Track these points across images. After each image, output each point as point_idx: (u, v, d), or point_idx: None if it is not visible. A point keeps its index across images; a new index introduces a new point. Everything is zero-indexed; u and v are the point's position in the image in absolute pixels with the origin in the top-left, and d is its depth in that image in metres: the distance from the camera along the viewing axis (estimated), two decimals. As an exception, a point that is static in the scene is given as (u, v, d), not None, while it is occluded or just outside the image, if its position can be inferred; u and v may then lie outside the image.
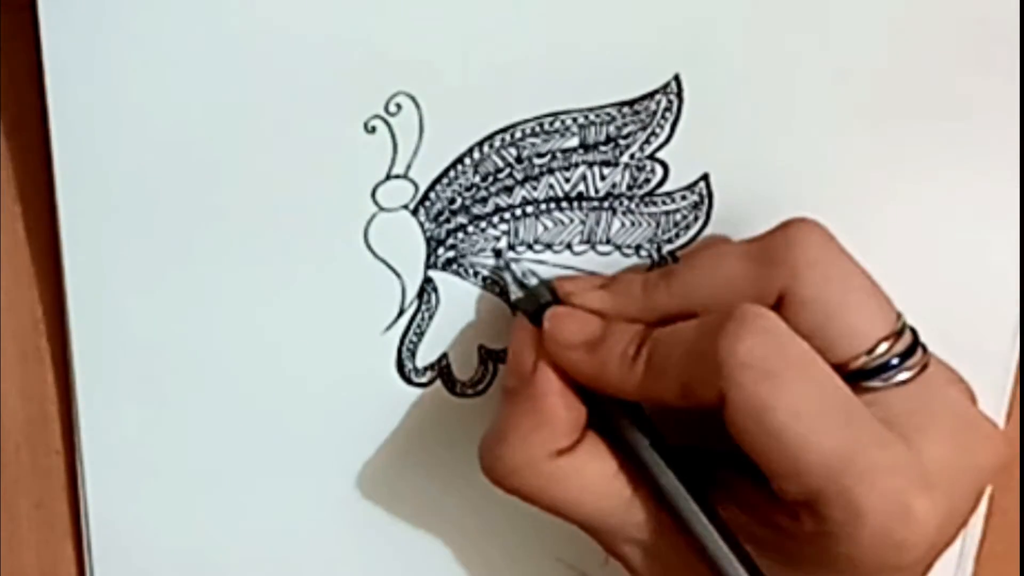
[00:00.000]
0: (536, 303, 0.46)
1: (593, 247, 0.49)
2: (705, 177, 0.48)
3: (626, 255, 0.49)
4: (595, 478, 0.45)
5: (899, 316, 0.44)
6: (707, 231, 0.49)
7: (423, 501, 0.51)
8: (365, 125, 0.46)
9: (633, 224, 0.49)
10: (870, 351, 0.43)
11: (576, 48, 0.46)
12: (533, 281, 0.47)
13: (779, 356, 0.41)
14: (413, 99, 0.46)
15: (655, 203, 0.49)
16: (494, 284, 0.49)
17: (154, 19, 0.45)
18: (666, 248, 0.49)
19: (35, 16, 0.44)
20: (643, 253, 0.49)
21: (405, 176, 0.47)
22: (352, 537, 0.51)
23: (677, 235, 0.49)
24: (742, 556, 0.43)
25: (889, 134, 0.49)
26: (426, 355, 0.49)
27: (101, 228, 0.47)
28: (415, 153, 0.47)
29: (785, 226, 0.44)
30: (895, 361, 0.43)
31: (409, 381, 0.49)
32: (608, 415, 0.45)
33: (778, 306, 0.43)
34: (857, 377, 0.43)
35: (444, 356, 0.49)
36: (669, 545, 0.45)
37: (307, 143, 0.46)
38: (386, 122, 0.46)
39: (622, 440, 0.45)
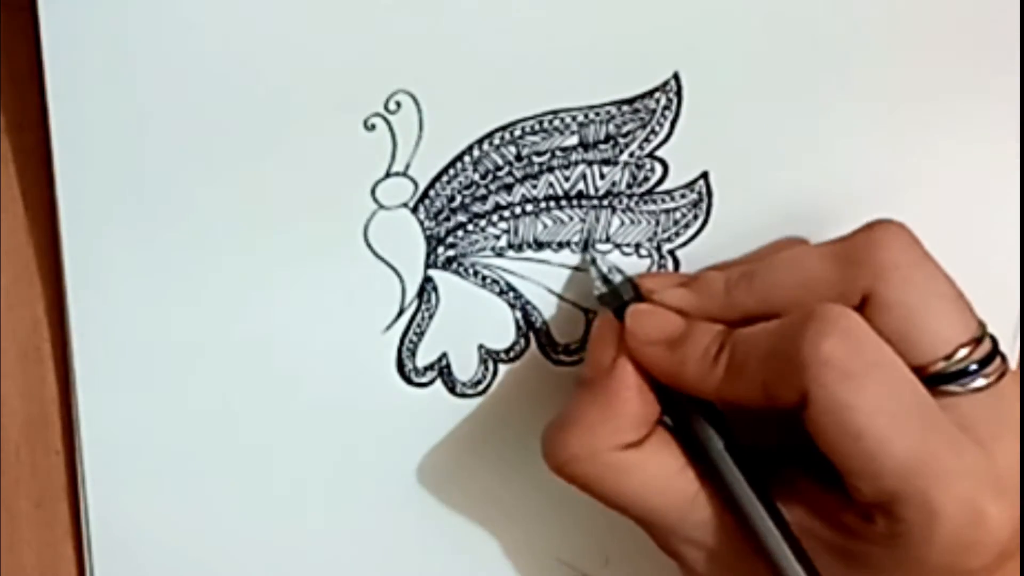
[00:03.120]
0: (619, 299, 0.46)
1: (593, 245, 0.49)
2: (705, 175, 0.48)
3: (625, 253, 0.49)
4: (659, 473, 0.45)
5: (980, 323, 0.44)
6: (706, 230, 0.49)
7: (423, 501, 0.51)
8: (365, 123, 0.46)
9: (632, 222, 0.49)
10: (949, 356, 0.43)
11: (575, 46, 0.46)
12: (618, 277, 0.47)
13: (861, 357, 0.41)
14: (413, 97, 0.46)
15: (655, 201, 0.49)
16: (494, 283, 0.49)
17: (154, 18, 0.45)
18: (666, 247, 0.49)
19: (35, 16, 0.45)
20: (642, 251, 0.49)
21: (405, 174, 0.47)
22: (352, 535, 0.51)
23: (677, 233, 0.49)
24: (805, 562, 0.43)
25: (889, 133, 0.49)
26: (426, 355, 0.49)
27: (101, 228, 0.47)
28: (415, 151, 0.47)
29: (869, 227, 0.44)
30: (973, 367, 0.43)
31: (409, 381, 0.49)
32: (682, 411, 0.45)
33: (860, 307, 0.43)
34: (935, 381, 0.43)
35: (444, 356, 0.49)
36: (729, 546, 0.45)
37: (306, 141, 0.46)
38: (386, 120, 0.46)
39: (693, 437, 0.45)
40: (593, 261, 0.48)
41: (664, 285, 0.46)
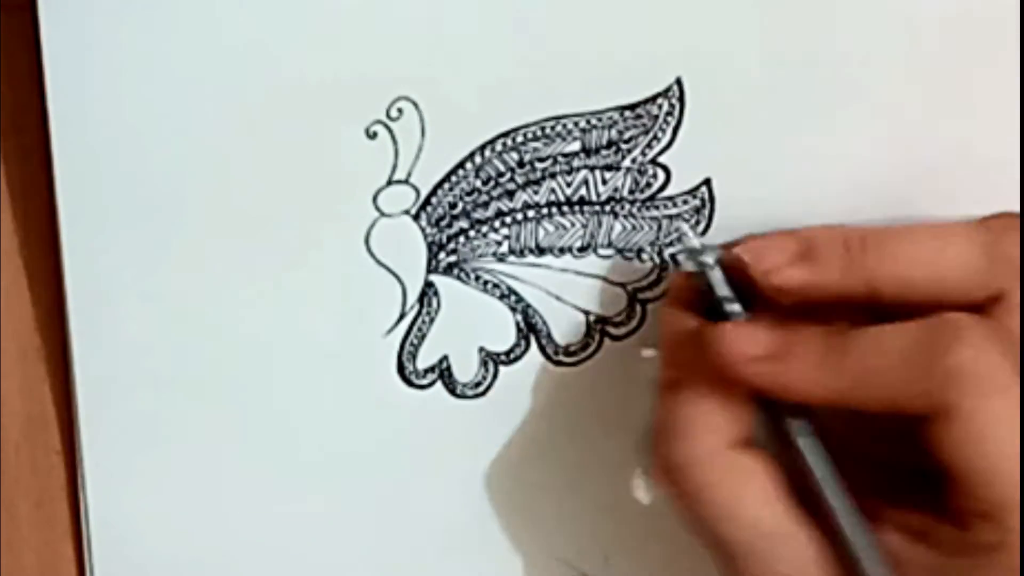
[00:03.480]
0: (697, 258, 0.45)
1: (594, 251, 0.49)
2: (707, 181, 0.48)
3: (627, 259, 0.49)
4: (768, 483, 0.43)
5: None
6: (708, 235, 0.49)
7: (423, 502, 0.51)
8: (366, 130, 0.46)
9: (635, 228, 0.49)
10: None
11: (577, 52, 0.46)
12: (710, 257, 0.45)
13: (1003, 368, 0.41)
14: (415, 104, 0.46)
15: (657, 207, 0.48)
16: (495, 288, 0.49)
17: (154, 20, 0.45)
18: (667, 252, 0.49)
19: (35, 16, 0.45)
20: (644, 257, 0.49)
21: (406, 181, 0.47)
22: (351, 536, 0.51)
23: (679, 239, 0.49)
24: None
25: (891, 137, 0.49)
26: (427, 357, 0.49)
27: (101, 228, 0.47)
28: (416, 158, 0.47)
29: (1012, 218, 0.44)
30: None
31: (410, 383, 0.49)
32: (780, 417, 0.43)
33: (990, 303, 0.43)
34: None
35: (445, 358, 0.49)
36: None
37: (309, 148, 0.46)
38: (387, 127, 0.46)
39: (788, 448, 0.43)
40: (680, 237, 0.46)
41: (777, 261, 0.44)
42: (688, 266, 0.45)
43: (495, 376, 0.50)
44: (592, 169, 0.48)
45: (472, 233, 0.48)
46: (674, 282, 0.47)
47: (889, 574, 0.42)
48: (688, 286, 0.45)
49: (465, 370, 0.50)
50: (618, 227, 0.49)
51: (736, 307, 0.44)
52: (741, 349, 0.42)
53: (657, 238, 0.49)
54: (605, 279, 0.49)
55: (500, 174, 0.48)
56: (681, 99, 0.47)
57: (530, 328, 0.49)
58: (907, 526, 0.43)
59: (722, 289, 0.45)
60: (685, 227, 0.46)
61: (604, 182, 0.48)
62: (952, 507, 0.42)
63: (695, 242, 0.45)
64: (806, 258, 0.44)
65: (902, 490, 0.43)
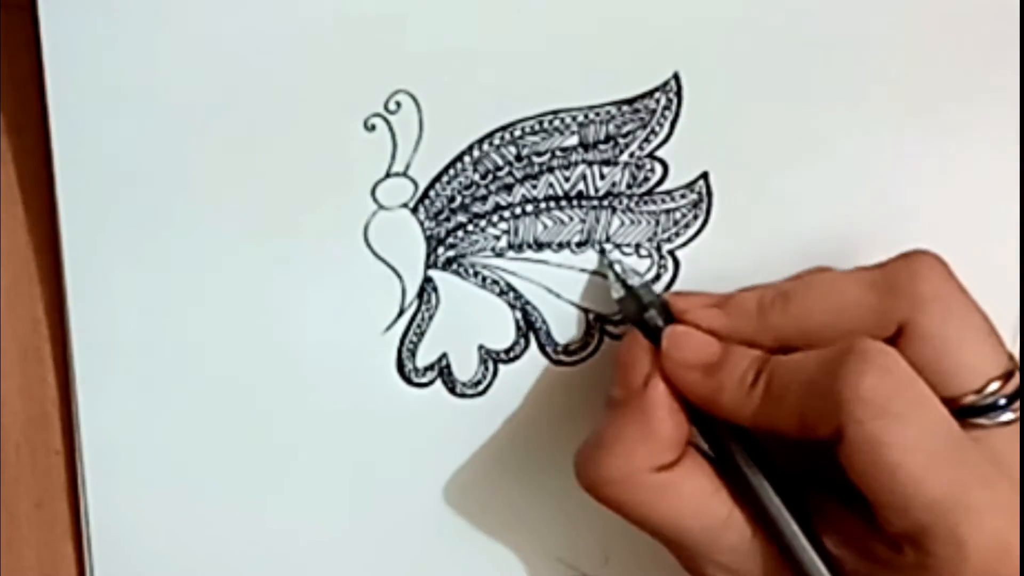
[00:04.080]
0: (638, 303, 0.47)
1: (593, 246, 0.49)
2: (705, 176, 0.48)
3: (625, 253, 0.49)
4: (694, 495, 0.45)
5: (1011, 357, 0.44)
6: (706, 230, 0.49)
7: (423, 501, 0.51)
8: (365, 123, 0.46)
9: (632, 222, 0.49)
10: (980, 390, 0.43)
11: (575, 46, 0.47)
12: (635, 280, 0.47)
13: (900, 395, 0.41)
14: (413, 97, 0.46)
15: (655, 201, 0.49)
16: (494, 284, 0.49)
17: (154, 18, 0.45)
18: (666, 247, 0.49)
19: (35, 16, 0.45)
20: (642, 252, 0.49)
21: (405, 174, 0.47)
22: (351, 536, 0.51)
23: (677, 234, 0.49)
24: None
25: (888, 133, 0.49)
26: (426, 355, 0.49)
27: (101, 228, 0.47)
28: (415, 151, 0.47)
29: (906, 257, 0.45)
30: (1003, 401, 0.43)
31: (409, 381, 0.49)
32: (717, 433, 0.45)
33: (895, 337, 0.44)
34: (965, 414, 0.43)
35: (444, 356, 0.49)
36: (759, 570, 0.45)
37: (306, 141, 0.46)
38: (386, 120, 0.46)
39: (728, 458, 0.45)
40: (611, 265, 0.48)
41: (696, 305, 0.46)
42: (615, 292, 0.47)
43: (495, 375, 0.50)
44: (590, 163, 0.48)
45: (470, 227, 0.48)
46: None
47: (824, 571, 0.43)
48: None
49: (465, 369, 0.50)
50: (616, 222, 0.49)
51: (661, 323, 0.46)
52: (683, 354, 0.45)
53: (655, 233, 0.49)
54: (604, 276, 0.49)
55: (498, 168, 0.48)
56: (679, 93, 0.47)
57: (529, 326, 0.49)
58: (847, 534, 0.44)
59: (654, 310, 0.46)
60: (608, 255, 0.48)
61: (602, 176, 0.48)
62: (880, 527, 0.42)
63: (619, 267, 0.48)
64: (721, 307, 0.46)
65: (847, 497, 0.43)
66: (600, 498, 0.45)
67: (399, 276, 0.48)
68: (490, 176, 0.48)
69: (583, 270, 0.49)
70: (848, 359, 0.41)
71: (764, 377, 0.43)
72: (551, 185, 0.48)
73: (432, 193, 0.47)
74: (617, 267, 0.48)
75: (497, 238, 0.48)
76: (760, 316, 0.45)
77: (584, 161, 0.48)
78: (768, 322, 0.45)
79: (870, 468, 0.41)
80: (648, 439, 0.44)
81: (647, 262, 0.49)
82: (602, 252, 0.48)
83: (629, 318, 0.47)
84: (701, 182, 0.48)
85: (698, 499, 0.44)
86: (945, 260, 0.44)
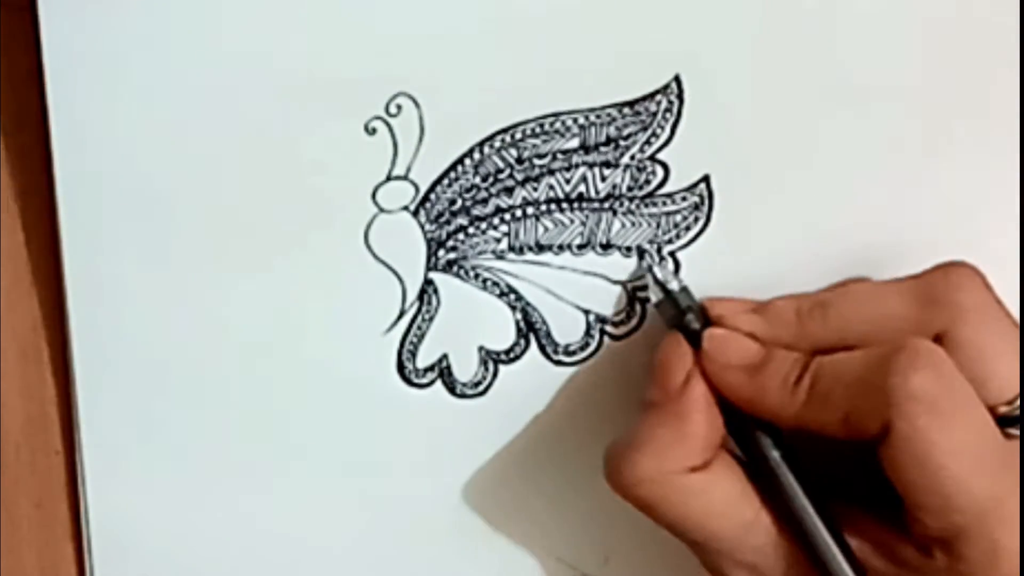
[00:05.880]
0: (676, 308, 0.46)
1: (593, 248, 0.49)
2: (706, 178, 0.48)
3: (626, 256, 0.49)
4: (723, 497, 0.45)
5: None
6: (707, 232, 0.49)
7: (422, 501, 0.51)
8: (366, 126, 0.46)
9: (633, 225, 0.49)
10: (1011, 401, 0.43)
11: (576, 48, 0.46)
12: (674, 285, 0.47)
13: (948, 394, 0.42)
14: (414, 100, 0.46)
15: (655, 204, 0.49)
16: (494, 286, 0.49)
17: (154, 19, 0.45)
18: (667, 249, 0.49)
19: (35, 16, 0.45)
20: (643, 255, 0.49)
21: (406, 177, 0.47)
22: (351, 536, 0.51)
23: (677, 236, 0.49)
24: None
25: (888, 134, 0.49)
26: (426, 356, 0.49)
27: (101, 229, 0.47)
28: (415, 154, 0.47)
29: (945, 268, 0.45)
30: None
31: (409, 382, 0.49)
32: (748, 434, 0.45)
33: None
34: (998, 423, 0.43)
35: (444, 357, 0.49)
36: (783, 570, 0.45)
37: (307, 144, 0.46)
38: (387, 123, 0.46)
39: (758, 459, 0.45)
40: (650, 268, 0.48)
41: (734, 311, 0.46)
42: (655, 295, 0.47)
43: (495, 375, 0.50)
44: (591, 166, 0.48)
45: (471, 230, 0.48)
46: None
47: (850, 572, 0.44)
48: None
49: (465, 369, 0.50)
50: (617, 224, 0.49)
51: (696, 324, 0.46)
52: (725, 355, 0.45)
53: (656, 235, 0.49)
54: (605, 278, 0.49)
55: (499, 171, 0.48)
56: (680, 96, 0.47)
57: (530, 327, 0.49)
58: (873, 538, 0.44)
59: (691, 315, 0.46)
60: (646, 259, 0.47)
61: (603, 179, 0.48)
62: (912, 530, 0.42)
63: (658, 271, 0.47)
64: (759, 313, 0.46)
65: (873, 504, 0.44)
66: (630, 497, 0.45)
67: (400, 278, 0.48)
68: (491, 179, 0.48)
69: (584, 272, 0.49)
70: (899, 356, 0.42)
71: (808, 377, 0.44)
72: (552, 187, 0.48)
73: (433, 196, 0.47)
74: (657, 271, 0.47)
75: (498, 240, 0.48)
76: (798, 324, 0.45)
77: (585, 163, 0.48)
78: (806, 331, 0.45)
79: (914, 466, 0.41)
80: (684, 440, 0.44)
81: (648, 266, 0.49)
82: (641, 255, 0.48)
83: (667, 322, 0.47)
84: (702, 185, 0.48)
85: (726, 501, 0.45)
86: (982, 272, 0.45)
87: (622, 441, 0.46)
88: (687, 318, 0.46)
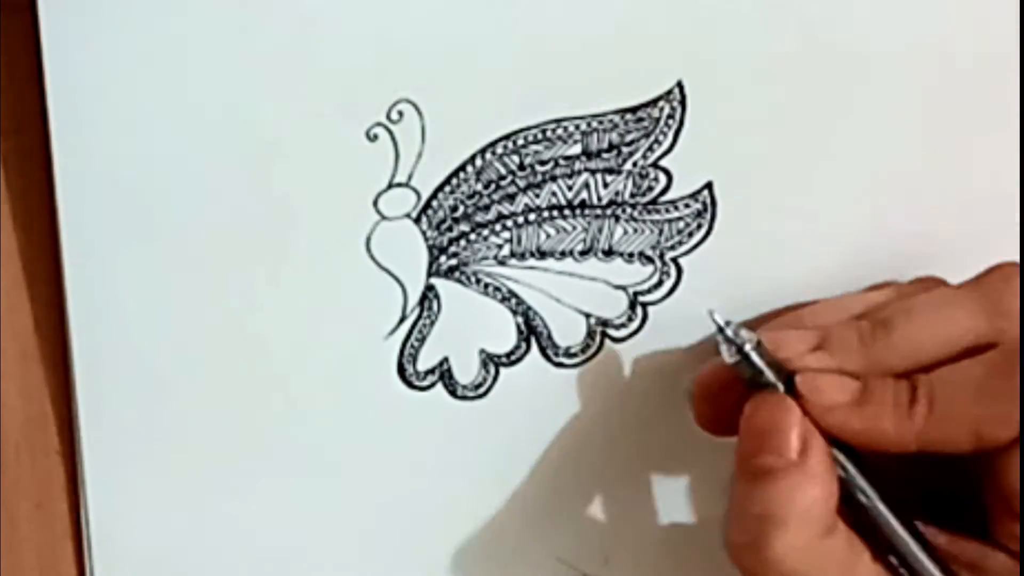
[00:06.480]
0: (752, 367, 0.44)
1: (595, 255, 0.49)
2: (709, 185, 0.48)
3: (629, 263, 0.49)
4: (847, 553, 0.43)
5: None
6: (710, 239, 0.49)
7: (423, 503, 0.51)
8: (367, 133, 0.46)
9: (636, 232, 0.49)
10: None
11: (579, 54, 0.46)
12: (749, 345, 0.44)
13: None
14: (415, 106, 0.46)
15: (658, 211, 0.48)
16: (496, 291, 0.49)
17: (154, 21, 0.45)
18: (669, 255, 0.49)
19: (35, 16, 0.45)
20: (645, 260, 0.49)
21: (407, 184, 0.47)
22: (352, 539, 0.51)
23: (680, 242, 0.49)
24: None
25: (889, 135, 0.49)
26: (427, 359, 0.49)
27: (101, 229, 0.47)
28: (417, 161, 0.47)
29: (1002, 272, 0.45)
30: None
31: (410, 385, 0.49)
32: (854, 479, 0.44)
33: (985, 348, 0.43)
34: None
35: (445, 360, 0.49)
36: None
37: (309, 150, 0.46)
38: (388, 130, 0.46)
39: (861, 504, 0.44)
40: (721, 330, 0.45)
41: (796, 351, 0.45)
42: (729, 355, 0.45)
43: (495, 378, 0.50)
44: (593, 172, 0.48)
45: (473, 236, 0.48)
46: (709, 372, 0.47)
47: None
48: (720, 372, 0.46)
49: (466, 372, 0.50)
50: (619, 231, 0.49)
51: (781, 388, 0.44)
52: (827, 396, 0.43)
53: (659, 242, 0.49)
54: (606, 282, 0.49)
55: (501, 177, 0.47)
56: (682, 102, 0.47)
57: (531, 330, 0.49)
58: (959, 556, 0.44)
59: (766, 370, 0.44)
60: (717, 316, 0.45)
61: (605, 185, 0.48)
62: (1003, 535, 0.42)
63: (730, 331, 0.45)
64: (824, 348, 0.45)
65: (948, 518, 0.44)
66: (775, 572, 0.43)
67: (401, 285, 0.48)
68: (493, 185, 0.48)
69: (585, 277, 0.49)
70: None
71: (923, 396, 0.43)
72: (554, 194, 0.48)
73: (435, 203, 0.47)
74: (729, 331, 0.45)
75: (500, 247, 0.48)
76: (864, 350, 0.44)
77: (587, 170, 0.48)
78: (873, 356, 0.44)
79: None
80: (824, 501, 0.43)
81: (650, 268, 0.49)
82: (711, 315, 0.45)
83: (746, 382, 0.45)
84: (705, 192, 0.48)
85: (854, 547, 0.44)
86: None
87: (743, 517, 0.43)
88: (764, 377, 0.44)
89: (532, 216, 0.48)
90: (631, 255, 0.49)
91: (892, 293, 0.47)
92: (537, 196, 0.48)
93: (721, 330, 0.44)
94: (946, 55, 0.49)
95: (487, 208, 0.48)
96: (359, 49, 0.45)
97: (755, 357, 0.44)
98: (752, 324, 0.46)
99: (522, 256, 0.48)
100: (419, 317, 0.49)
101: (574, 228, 0.48)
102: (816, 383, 0.44)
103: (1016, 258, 0.50)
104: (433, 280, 0.48)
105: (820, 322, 0.46)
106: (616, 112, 0.47)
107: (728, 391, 0.45)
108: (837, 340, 0.45)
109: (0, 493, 0.50)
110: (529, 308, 0.49)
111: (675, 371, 0.50)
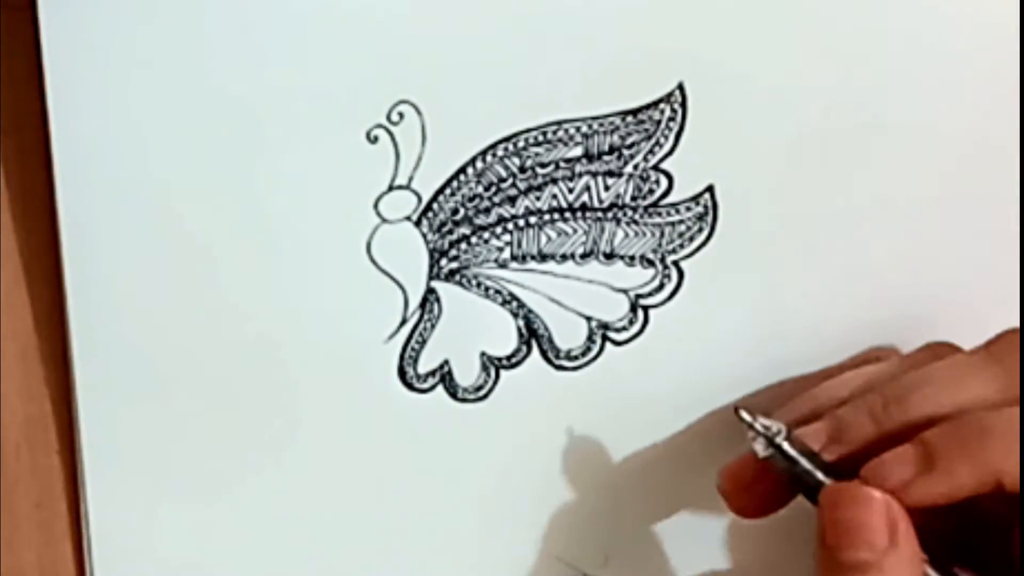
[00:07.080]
0: (787, 459, 0.44)
1: (596, 257, 0.49)
2: (710, 188, 0.48)
3: (630, 266, 0.49)
4: None
5: None
6: (712, 242, 0.49)
7: (424, 505, 0.51)
8: (367, 135, 0.46)
9: (637, 235, 0.49)
10: None
11: (579, 57, 0.46)
12: (781, 437, 0.44)
13: None
14: (416, 108, 0.46)
15: (660, 214, 0.48)
16: (497, 294, 0.49)
17: (154, 21, 0.45)
18: (670, 258, 0.49)
19: (35, 16, 0.45)
20: (646, 264, 0.49)
21: (408, 187, 0.47)
22: (352, 540, 0.51)
23: (682, 246, 0.49)
24: None
25: (889, 139, 0.49)
26: (428, 362, 0.49)
27: (101, 229, 0.47)
28: (418, 163, 0.47)
29: (1014, 340, 0.45)
30: None
31: (411, 387, 0.49)
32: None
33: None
34: None
35: (446, 363, 0.49)
36: None
37: (309, 152, 0.46)
38: (388, 131, 0.46)
39: None
40: (751, 426, 0.45)
41: (817, 445, 0.45)
42: (763, 450, 0.45)
43: (496, 380, 0.50)
44: (594, 175, 0.48)
45: (474, 239, 0.48)
46: (739, 466, 0.47)
47: None
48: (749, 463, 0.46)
49: (466, 374, 0.50)
50: (620, 234, 0.49)
51: (819, 475, 0.44)
52: (897, 474, 0.43)
53: (660, 245, 0.49)
54: (607, 286, 0.49)
55: (502, 179, 0.47)
56: (683, 104, 0.47)
57: (531, 333, 0.49)
58: None
59: (801, 459, 0.44)
60: (744, 415, 0.45)
61: (606, 188, 0.48)
62: None
63: (760, 426, 0.45)
64: (837, 441, 0.45)
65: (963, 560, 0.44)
66: None
67: (402, 288, 0.48)
68: (493, 188, 0.47)
69: (586, 280, 0.49)
70: None
71: (983, 438, 0.42)
72: (555, 197, 0.48)
73: (435, 206, 0.47)
74: (759, 426, 0.45)
75: (500, 250, 0.48)
76: (878, 428, 0.45)
77: (588, 172, 0.48)
78: (887, 430, 0.44)
79: None
80: None
81: (651, 272, 0.49)
82: (737, 412, 0.45)
83: (785, 476, 0.45)
84: (707, 195, 0.48)
85: None
86: None
87: None
88: (799, 468, 0.44)
89: (533, 219, 0.48)
90: (632, 258, 0.49)
91: (901, 364, 0.47)
92: (538, 199, 0.48)
93: (751, 426, 0.44)
94: (947, 53, 0.49)
95: (488, 211, 0.48)
96: (360, 50, 0.45)
97: (787, 448, 0.44)
98: (761, 399, 0.47)
99: (523, 259, 0.48)
100: (420, 320, 0.49)
101: (575, 231, 0.48)
102: (877, 469, 0.43)
103: (1016, 257, 0.51)
104: (434, 283, 0.48)
105: (835, 396, 0.46)
106: (617, 114, 0.47)
107: (762, 480, 0.46)
108: (849, 428, 0.45)
109: (0, 493, 0.50)
110: (530, 311, 0.49)
111: (675, 374, 0.50)
